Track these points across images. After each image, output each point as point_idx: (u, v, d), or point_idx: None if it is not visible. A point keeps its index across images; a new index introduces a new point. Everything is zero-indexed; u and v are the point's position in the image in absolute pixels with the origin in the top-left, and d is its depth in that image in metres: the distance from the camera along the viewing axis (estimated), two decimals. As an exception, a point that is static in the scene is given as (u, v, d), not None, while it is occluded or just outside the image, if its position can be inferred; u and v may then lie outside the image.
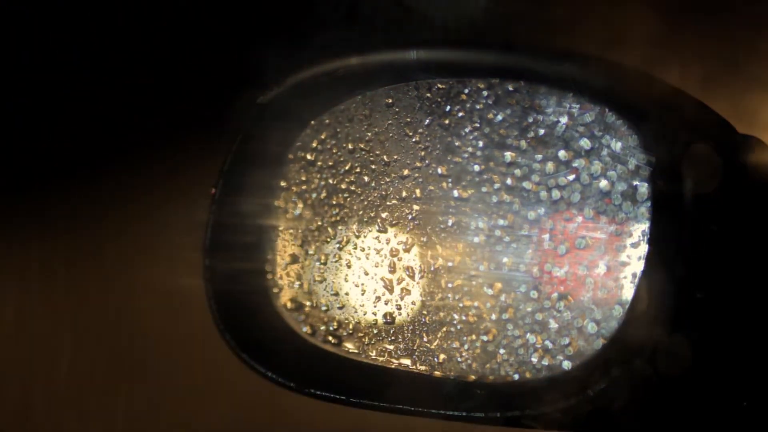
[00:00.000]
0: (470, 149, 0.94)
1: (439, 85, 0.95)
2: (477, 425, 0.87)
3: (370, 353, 0.99)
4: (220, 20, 1.58)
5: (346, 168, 1.01)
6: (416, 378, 0.95)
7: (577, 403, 0.81)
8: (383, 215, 0.99)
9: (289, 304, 1.04)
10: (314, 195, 1.04)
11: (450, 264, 0.95)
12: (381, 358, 0.98)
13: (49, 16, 1.66)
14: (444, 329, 0.94)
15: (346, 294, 1.01)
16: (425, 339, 0.96)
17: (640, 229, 0.84)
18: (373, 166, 1.00)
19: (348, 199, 1.01)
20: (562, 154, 0.89)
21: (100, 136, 1.66)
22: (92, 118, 1.65)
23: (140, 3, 1.63)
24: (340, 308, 1.02)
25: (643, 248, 0.83)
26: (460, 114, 0.95)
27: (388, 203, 0.99)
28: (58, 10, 1.65)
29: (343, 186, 1.01)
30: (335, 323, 1.02)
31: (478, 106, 0.93)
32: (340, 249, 1.02)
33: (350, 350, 1.01)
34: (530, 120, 0.90)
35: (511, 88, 0.91)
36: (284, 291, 1.04)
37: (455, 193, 0.95)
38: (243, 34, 1.55)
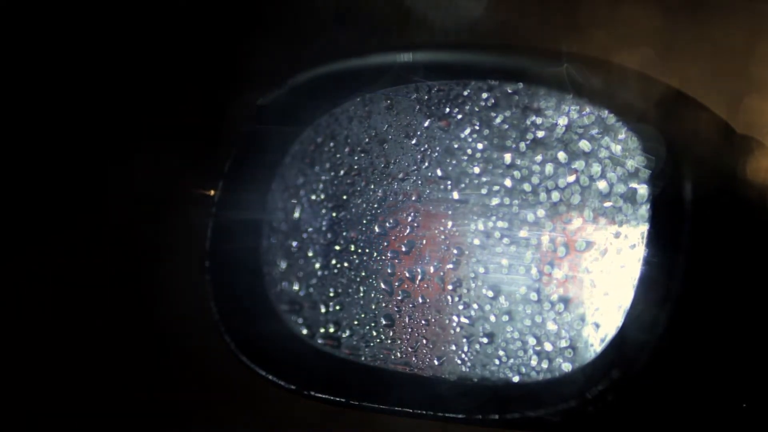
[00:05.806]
0: (469, 151, 0.94)
1: (439, 88, 0.95)
2: (476, 427, 0.87)
3: (370, 355, 0.99)
4: (220, 22, 1.58)
5: (346, 170, 1.01)
6: (416, 380, 0.95)
7: (576, 405, 0.81)
8: (382, 218, 0.99)
9: (288, 306, 1.04)
10: (313, 197, 1.04)
11: (449, 266, 0.95)
12: (381, 360, 0.98)
13: (48, 16, 1.66)
14: (444, 331, 0.95)
15: (346, 296, 1.01)
16: (425, 341, 0.96)
17: (640, 231, 0.84)
18: (373, 169, 1.00)
19: (347, 201, 1.01)
20: (561, 156, 0.89)
21: (100, 138, 1.66)
22: (91, 119, 1.65)
23: (139, 3, 1.63)
24: (340, 310, 1.02)
25: (643, 250, 0.83)
26: (460, 116, 0.95)
27: (387, 205, 0.99)
28: (58, 10, 1.65)
29: (343, 188, 1.01)
30: (334, 325, 1.02)
31: (477, 109, 0.93)
32: (339, 251, 1.02)
33: (350, 352, 1.01)
34: (529, 122, 0.90)
35: (510, 90, 0.91)
36: (284, 293, 1.05)
37: (454, 195, 0.95)
38: (243, 36, 1.55)
